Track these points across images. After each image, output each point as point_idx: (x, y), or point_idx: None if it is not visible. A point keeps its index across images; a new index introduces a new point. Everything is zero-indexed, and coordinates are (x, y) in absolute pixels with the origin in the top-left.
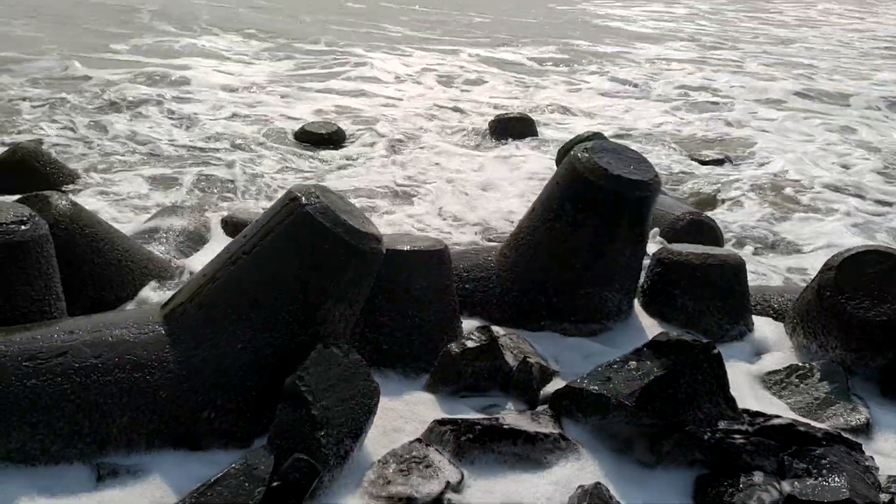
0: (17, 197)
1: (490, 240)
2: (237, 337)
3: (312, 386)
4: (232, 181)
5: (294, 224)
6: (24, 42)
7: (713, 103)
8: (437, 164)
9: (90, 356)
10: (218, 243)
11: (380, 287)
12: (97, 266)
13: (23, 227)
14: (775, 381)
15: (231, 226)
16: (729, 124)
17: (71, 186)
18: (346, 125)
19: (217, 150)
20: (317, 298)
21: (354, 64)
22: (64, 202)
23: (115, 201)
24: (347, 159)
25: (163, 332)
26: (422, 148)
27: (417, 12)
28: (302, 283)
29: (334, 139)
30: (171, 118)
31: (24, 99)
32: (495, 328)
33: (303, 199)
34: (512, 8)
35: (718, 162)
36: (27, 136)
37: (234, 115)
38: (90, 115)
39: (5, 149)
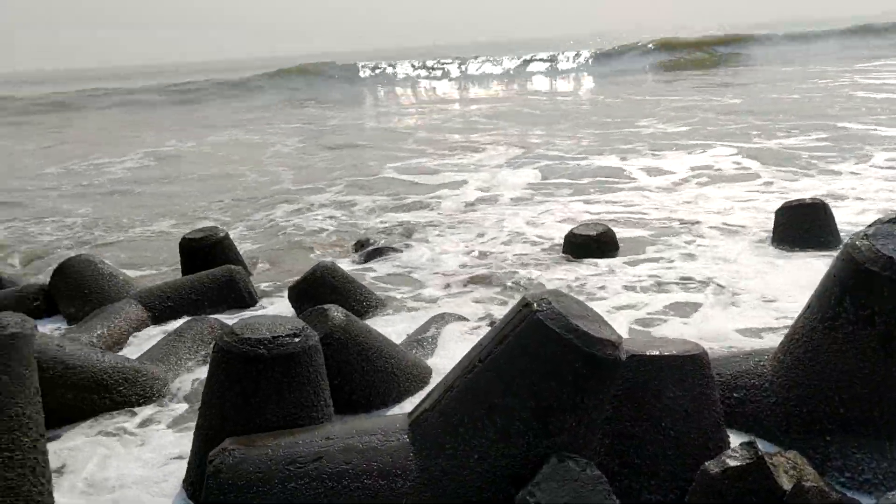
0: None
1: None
2: (473, 447)
3: (544, 502)
4: (506, 287)
5: (526, 331)
6: (317, 173)
7: None
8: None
9: (342, 462)
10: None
11: (629, 395)
12: (366, 373)
13: (295, 340)
14: None
15: None
16: None
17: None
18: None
19: (489, 264)
20: (551, 408)
21: (607, 168)
22: (339, 314)
23: (398, 311)
24: (616, 266)
25: (407, 439)
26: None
27: (662, 104)
28: (536, 391)
29: (605, 247)
30: (442, 233)
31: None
32: (767, 445)
33: (534, 305)
34: (763, 87)
35: None
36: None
37: (499, 226)
38: (391, 238)
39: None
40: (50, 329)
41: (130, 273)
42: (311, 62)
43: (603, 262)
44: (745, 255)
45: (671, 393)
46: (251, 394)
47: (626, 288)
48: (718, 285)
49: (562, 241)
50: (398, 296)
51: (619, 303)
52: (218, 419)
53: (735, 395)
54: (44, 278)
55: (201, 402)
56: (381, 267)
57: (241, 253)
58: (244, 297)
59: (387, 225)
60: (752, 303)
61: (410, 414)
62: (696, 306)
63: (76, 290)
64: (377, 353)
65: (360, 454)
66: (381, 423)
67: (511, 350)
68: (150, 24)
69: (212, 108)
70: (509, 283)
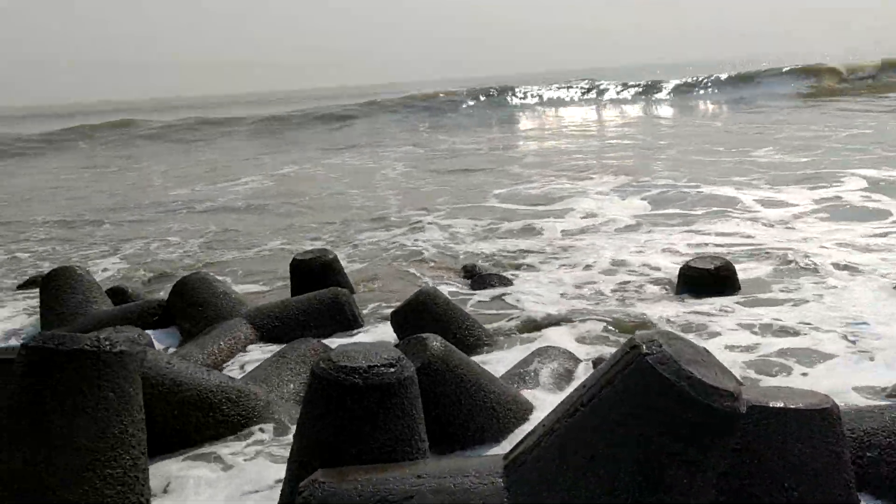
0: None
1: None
2: (573, 496)
3: None
4: (613, 322)
5: (633, 376)
6: (423, 197)
7: None
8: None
9: (433, 502)
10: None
11: (749, 450)
12: (463, 407)
13: (391, 370)
14: None
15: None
16: None
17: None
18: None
19: (595, 297)
20: (660, 460)
21: (721, 198)
22: (438, 344)
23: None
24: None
25: (501, 483)
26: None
27: (785, 131)
28: (643, 441)
29: (723, 282)
30: (548, 261)
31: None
32: None
33: (643, 347)
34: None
35: None
36: None
37: (606, 256)
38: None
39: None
40: (166, 343)
41: (245, 288)
42: (430, 91)
43: (717, 300)
44: (877, 302)
45: (796, 450)
46: (345, 423)
47: (742, 327)
48: (847, 334)
49: (671, 274)
50: (502, 325)
51: (733, 344)
52: (311, 447)
53: (868, 454)
54: (164, 294)
55: (296, 428)
56: (486, 294)
57: (347, 275)
58: (349, 320)
59: (492, 251)
60: (885, 356)
61: (507, 455)
62: (821, 356)
63: (191, 306)
64: (476, 387)
65: (451, 496)
66: (475, 464)
67: (617, 396)
68: (259, 55)
69: (326, 133)
70: (617, 318)
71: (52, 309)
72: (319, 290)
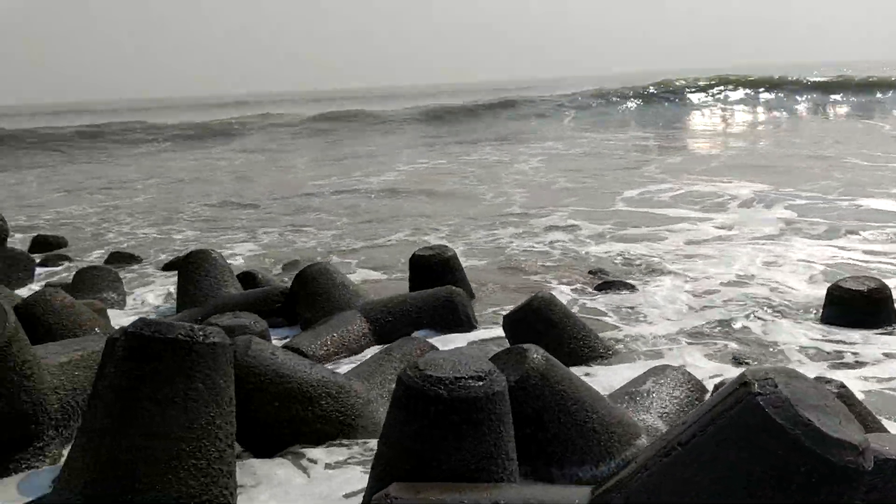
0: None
1: None
2: None
3: None
4: (741, 343)
5: (741, 416)
6: (551, 196)
7: None
8: None
9: None
10: None
11: None
12: (562, 425)
13: (479, 384)
14: None
15: None
16: None
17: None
18: None
19: (724, 314)
20: None
21: (875, 211)
22: (539, 357)
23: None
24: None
25: None
26: None
27: None
28: (750, 491)
29: (877, 308)
30: (678, 271)
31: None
32: None
33: (755, 385)
34: None
35: None
36: None
37: (739, 270)
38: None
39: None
40: (285, 331)
41: (367, 277)
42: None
43: (862, 330)
44: None
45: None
46: (427, 436)
47: (889, 357)
48: None
49: (811, 295)
50: (620, 336)
51: (874, 384)
52: (392, 458)
53: None
54: (290, 281)
55: (380, 435)
56: (608, 301)
57: (466, 273)
58: (462, 320)
59: (618, 255)
60: None
61: (595, 489)
62: None
63: (311, 296)
64: (578, 405)
65: None
66: (559, 494)
67: (720, 437)
68: (375, 48)
69: (465, 127)
70: (745, 339)
71: (186, 290)
72: (437, 287)
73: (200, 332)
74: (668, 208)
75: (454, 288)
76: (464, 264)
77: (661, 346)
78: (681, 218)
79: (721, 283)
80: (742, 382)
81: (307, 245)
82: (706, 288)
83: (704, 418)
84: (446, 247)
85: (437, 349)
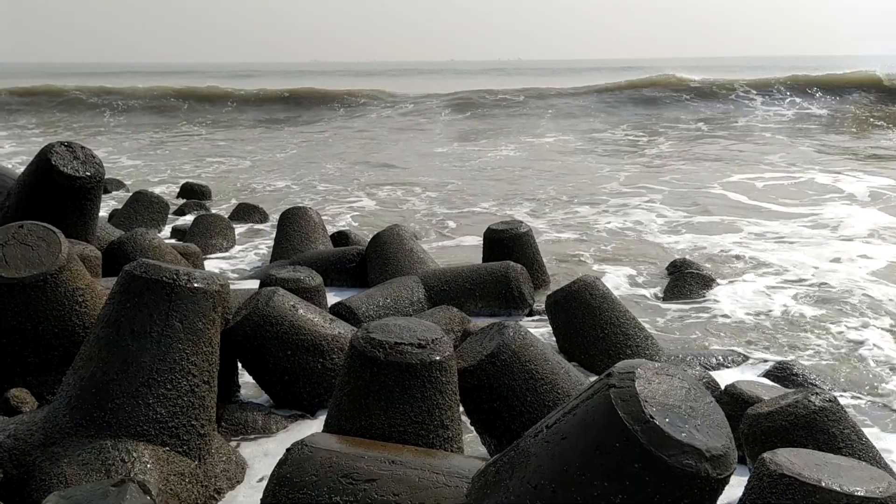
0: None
1: None
2: None
3: None
4: (861, 357)
5: (594, 405)
6: (641, 177)
7: None
8: None
9: (391, 492)
10: None
11: None
12: (528, 404)
13: (416, 350)
14: None
15: None
16: None
17: None
18: None
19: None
20: None
21: None
22: (515, 333)
23: None
24: None
25: (464, 489)
26: None
27: None
28: (584, 483)
29: None
30: (768, 273)
31: None
32: None
33: (615, 377)
34: None
35: None
36: None
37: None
38: None
39: None
40: (349, 291)
41: (461, 242)
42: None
43: None
44: None
45: None
46: (361, 396)
47: None
48: None
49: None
50: (672, 337)
51: None
52: (333, 414)
53: None
54: None
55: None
56: (679, 294)
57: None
58: (514, 298)
59: (702, 246)
60: None
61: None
62: None
63: (379, 259)
64: (548, 386)
65: (411, 488)
66: (454, 464)
67: (573, 426)
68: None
69: (599, 106)
70: (831, 362)
71: (279, 243)
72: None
73: (185, 277)
74: (771, 202)
75: (512, 264)
76: (548, 241)
77: (711, 348)
78: (789, 215)
79: (815, 293)
80: (608, 373)
81: (410, 208)
82: (797, 294)
83: (572, 403)
84: (521, 223)
85: (467, 321)
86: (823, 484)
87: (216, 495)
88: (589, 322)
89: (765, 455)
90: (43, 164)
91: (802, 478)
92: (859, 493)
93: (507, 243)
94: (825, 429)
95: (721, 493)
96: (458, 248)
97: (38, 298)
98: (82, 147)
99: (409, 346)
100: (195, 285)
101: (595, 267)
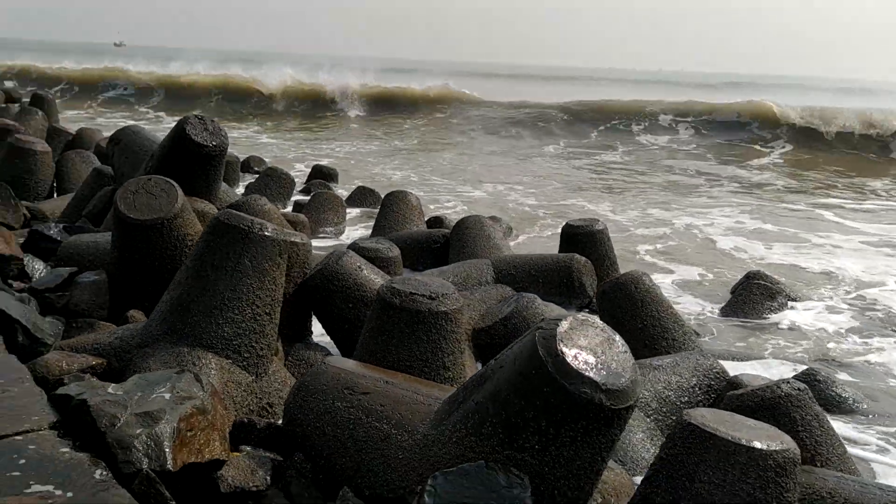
0: None
1: None
2: (453, 431)
3: (440, 491)
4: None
5: (524, 345)
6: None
7: None
8: None
9: (379, 403)
10: None
11: (667, 464)
12: None
13: (427, 301)
14: None
15: None
16: None
17: None
18: None
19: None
20: (517, 423)
21: None
22: (530, 302)
23: None
24: None
25: (435, 408)
26: None
27: None
28: (507, 402)
29: None
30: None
31: None
32: None
33: (545, 322)
34: None
35: None
36: None
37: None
38: None
39: None
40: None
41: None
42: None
43: None
44: None
45: (707, 478)
46: (378, 334)
47: None
48: None
49: None
50: (717, 345)
51: None
52: (359, 345)
53: None
54: None
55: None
56: (751, 305)
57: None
58: (574, 288)
59: (786, 263)
60: None
61: None
62: None
63: (459, 242)
64: None
65: (395, 402)
66: (436, 391)
67: (508, 357)
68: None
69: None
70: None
71: (379, 222)
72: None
73: (258, 226)
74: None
75: (577, 256)
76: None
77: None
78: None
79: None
80: (541, 319)
81: (516, 206)
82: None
83: (512, 343)
84: (597, 220)
85: (510, 292)
86: (719, 434)
87: (268, 407)
88: (630, 312)
89: (687, 410)
90: (179, 132)
91: (704, 427)
92: (744, 443)
93: (580, 238)
94: (787, 413)
95: (622, 425)
96: (549, 239)
97: (156, 238)
98: (212, 120)
99: (421, 297)
100: (265, 234)
101: (674, 268)
